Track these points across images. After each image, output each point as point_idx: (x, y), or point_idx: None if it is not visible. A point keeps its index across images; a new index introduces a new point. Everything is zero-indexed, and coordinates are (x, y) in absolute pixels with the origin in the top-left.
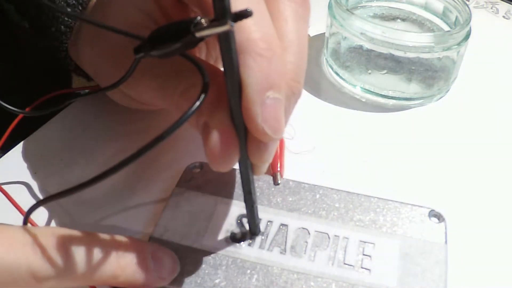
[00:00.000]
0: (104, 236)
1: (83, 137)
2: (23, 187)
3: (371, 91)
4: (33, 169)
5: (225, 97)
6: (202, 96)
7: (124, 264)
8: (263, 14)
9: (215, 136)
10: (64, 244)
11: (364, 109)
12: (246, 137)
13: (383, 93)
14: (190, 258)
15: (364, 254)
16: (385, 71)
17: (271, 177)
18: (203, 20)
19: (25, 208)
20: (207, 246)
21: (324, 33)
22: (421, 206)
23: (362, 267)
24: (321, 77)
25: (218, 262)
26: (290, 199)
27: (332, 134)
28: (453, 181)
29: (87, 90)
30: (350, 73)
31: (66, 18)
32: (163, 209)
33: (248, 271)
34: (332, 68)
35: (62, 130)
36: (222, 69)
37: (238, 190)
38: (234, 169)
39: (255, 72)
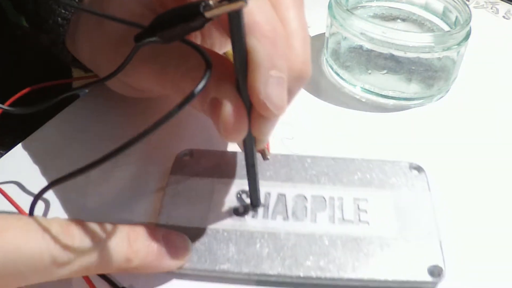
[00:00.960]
0: (114, 224)
1: (84, 136)
2: (23, 187)
3: (371, 91)
4: (33, 169)
5: (228, 76)
6: (208, 71)
7: (136, 248)
8: (264, 1)
9: (227, 107)
10: (79, 232)
11: (364, 109)
12: (250, 112)
13: (383, 93)
14: (199, 238)
15: (360, 209)
16: (385, 71)
17: (260, 154)
18: (211, 2)
19: (25, 208)
20: (213, 224)
21: (324, 33)
22: (401, 161)
23: (361, 221)
24: (321, 77)
25: (227, 237)
26: (282, 170)
27: (332, 134)
28: (451, 179)
29: (85, 90)
30: (350, 73)
31: (63, 11)
32: (162, 198)
33: (258, 241)
34: (332, 68)
35: (63, 129)
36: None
37: (231, 169)
38: (223, 152)
39: (259, 52)
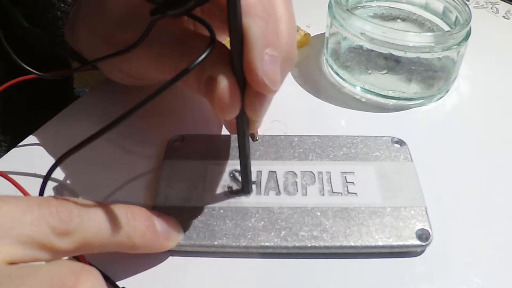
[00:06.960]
0: (111, 203)
1: (84, 136)
2: (23, 186)
3: (371, 91)
4: (33, 168)
5: (223, 57)
6: (211, 46)
7: (134, 225)
8: None
9: (222, 83)
10: (79, 209)
11: (364, 109)
12: (243, 93)
13: (383, 93)
14: (197, 216)
15: (347, 182)
16: (385, 71)
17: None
18: None
19: None
20: (209, 203)
21: (324, 33)
22: (383, 136)
23: (349, 193)
24: (321, 77)
25: (223, 214)
26: (271, 150)
27: (332, 134)
28: (443, 179)
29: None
30: (350, 73)
31: (62, 5)
32: (158, 181)
33: (253, 215)
34: (332, 68)
35: (63, 129)
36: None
37: (222, 151)
38: (213, 135)
39: (255, 31)
